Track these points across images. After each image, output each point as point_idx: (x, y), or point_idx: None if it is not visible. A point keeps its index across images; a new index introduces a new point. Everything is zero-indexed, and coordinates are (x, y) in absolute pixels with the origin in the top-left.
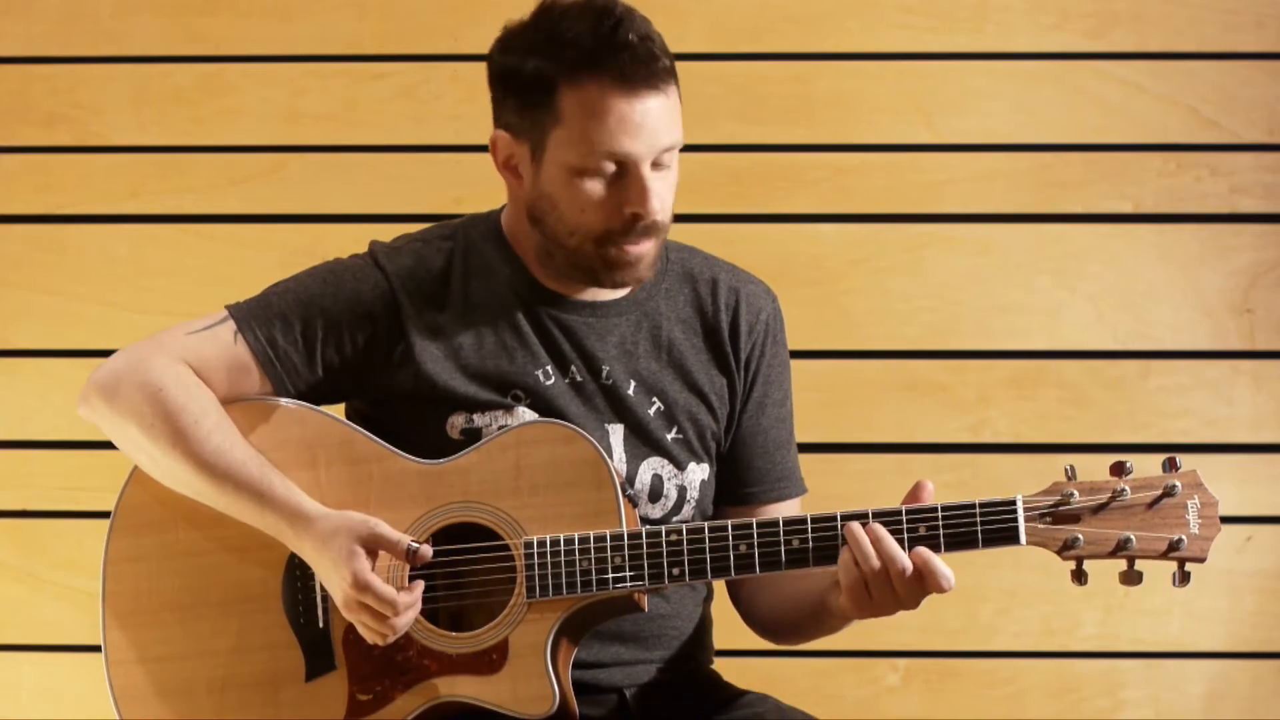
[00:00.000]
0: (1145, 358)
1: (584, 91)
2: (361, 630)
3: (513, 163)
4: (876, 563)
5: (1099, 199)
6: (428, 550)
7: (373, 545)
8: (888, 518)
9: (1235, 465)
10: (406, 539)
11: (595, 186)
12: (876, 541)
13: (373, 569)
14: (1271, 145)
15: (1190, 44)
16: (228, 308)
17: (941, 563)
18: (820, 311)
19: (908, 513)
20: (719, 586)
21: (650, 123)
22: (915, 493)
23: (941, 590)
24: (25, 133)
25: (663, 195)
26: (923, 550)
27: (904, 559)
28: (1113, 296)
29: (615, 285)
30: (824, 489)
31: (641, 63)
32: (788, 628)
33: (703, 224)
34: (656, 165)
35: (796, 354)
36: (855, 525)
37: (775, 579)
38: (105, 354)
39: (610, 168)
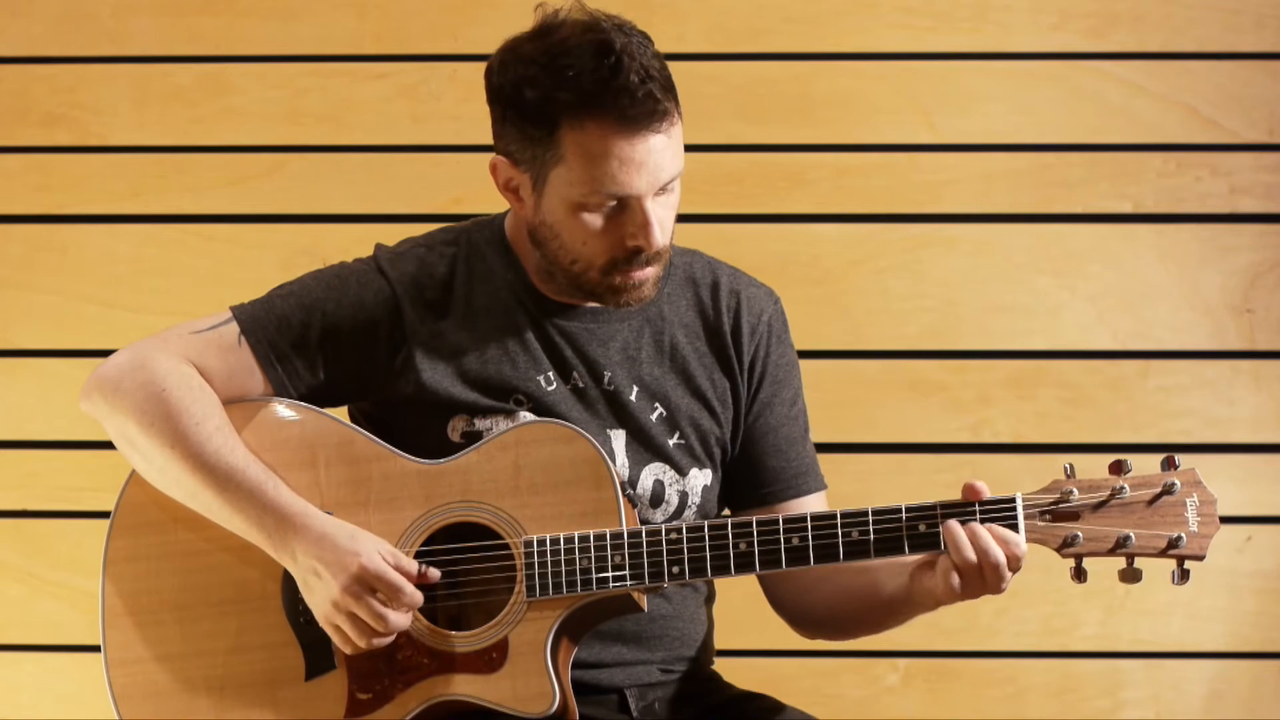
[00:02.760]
0: (1145, 358)
1: (585, 133)
2: (345, 631)
3: (513, 185)
4: (972, 556)
5: (1099, 199)
6: (434, 573)
7: (391, 559)
8: (887, 516)
9: (1235, 465)
10: (415, 565)
11: (597, 220)
12: (973, 537)
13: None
14: (1271, 145)
15: (1190, 44)
16: (232, 309)
17: (1010, 534)
18: (820, 311)
19: (907, 510)
20: (728, 586)
21: (652, 161)
22: (968, 494)
23: (1018, 560)
24: (25, 133)
25: (664, 222)
26: (996, 529)
27: (997, 551)
28: (1113, 296)
29: (619, 306)
30: (829, 489)
31: (642, 105)
32: (850, 623)
33: (703, 224)
34: (660, 194)
35: (797, 354)
36: (954, 525)
37: (835, 574)
38: (105, 354)
39: (612, 203)
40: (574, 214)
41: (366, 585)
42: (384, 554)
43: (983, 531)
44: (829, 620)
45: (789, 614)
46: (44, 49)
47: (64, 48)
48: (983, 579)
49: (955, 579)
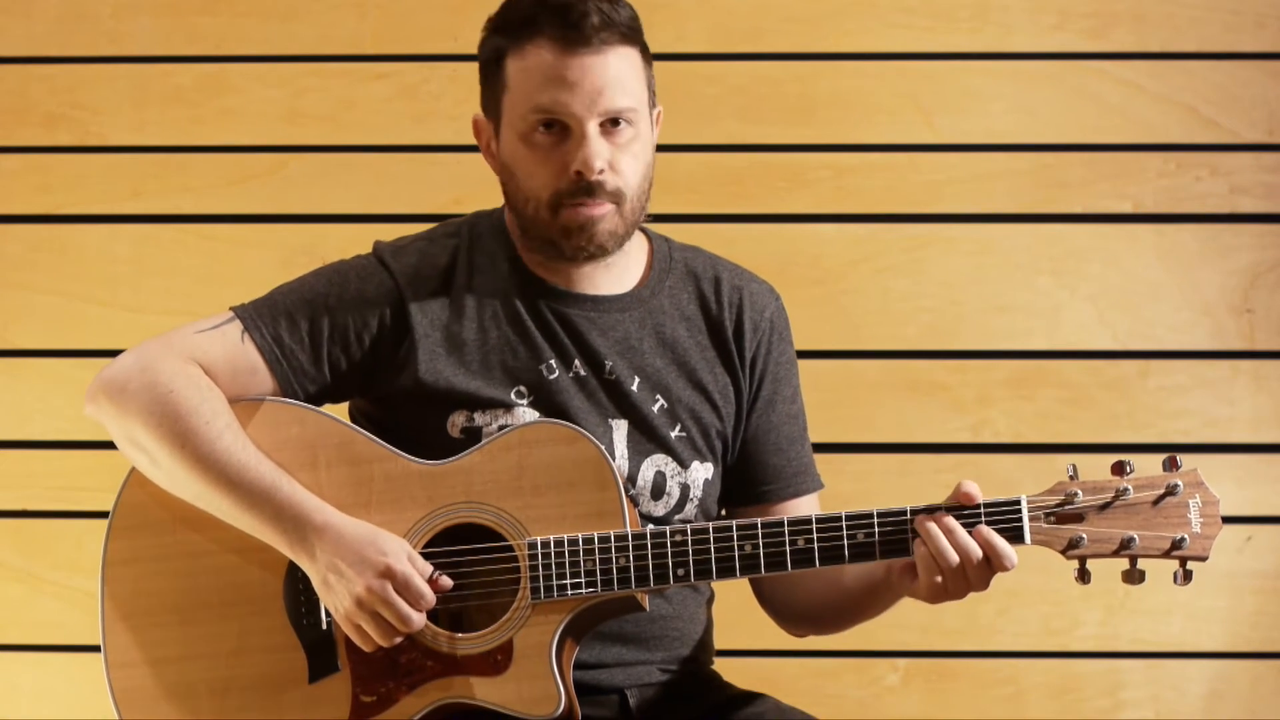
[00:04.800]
0: (1145, 358)
1: (523, 56)
2: (365, 631)
3: (487, 141)
4: (955, 557)
5: (1099, 199)
6: (447, 581)
7: (413, 562)
8: (892, 518)
9: (1235, 465)
10: (430, 567)
11: (541, 149)
12: (949, 533)
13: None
14: (1271, 145)
15: (1190, 44)
16: (233, 308)
17: (1002, 541)
18: (820, 311)
19: (913, 513)
20: (727, 586)
21: (589, 81)
22: (959, 495)
23: (1006, 569)
24: (25, 133)
25: (618, 162)
26: (983, 529)
27: (976, 548)
28: (1113, 296)
29: (574, 254)
30: (824, 489)
31: (575, 23)
32: (839, 615)
33: (703, 224)
34: (612, 130)
35: (797, 354)
36: (929, 521)
37: (824, 572)
38: (105, 354)
39: (555, 129)
40: (521, 145)
41: (394, 587)
42: (410, 556)
43: (957, 528)
44: (816, 614)
45: (776, 610)
46: (44, 49)
47: (64, 48)
48: (963, 577)
49: (939, 578)
